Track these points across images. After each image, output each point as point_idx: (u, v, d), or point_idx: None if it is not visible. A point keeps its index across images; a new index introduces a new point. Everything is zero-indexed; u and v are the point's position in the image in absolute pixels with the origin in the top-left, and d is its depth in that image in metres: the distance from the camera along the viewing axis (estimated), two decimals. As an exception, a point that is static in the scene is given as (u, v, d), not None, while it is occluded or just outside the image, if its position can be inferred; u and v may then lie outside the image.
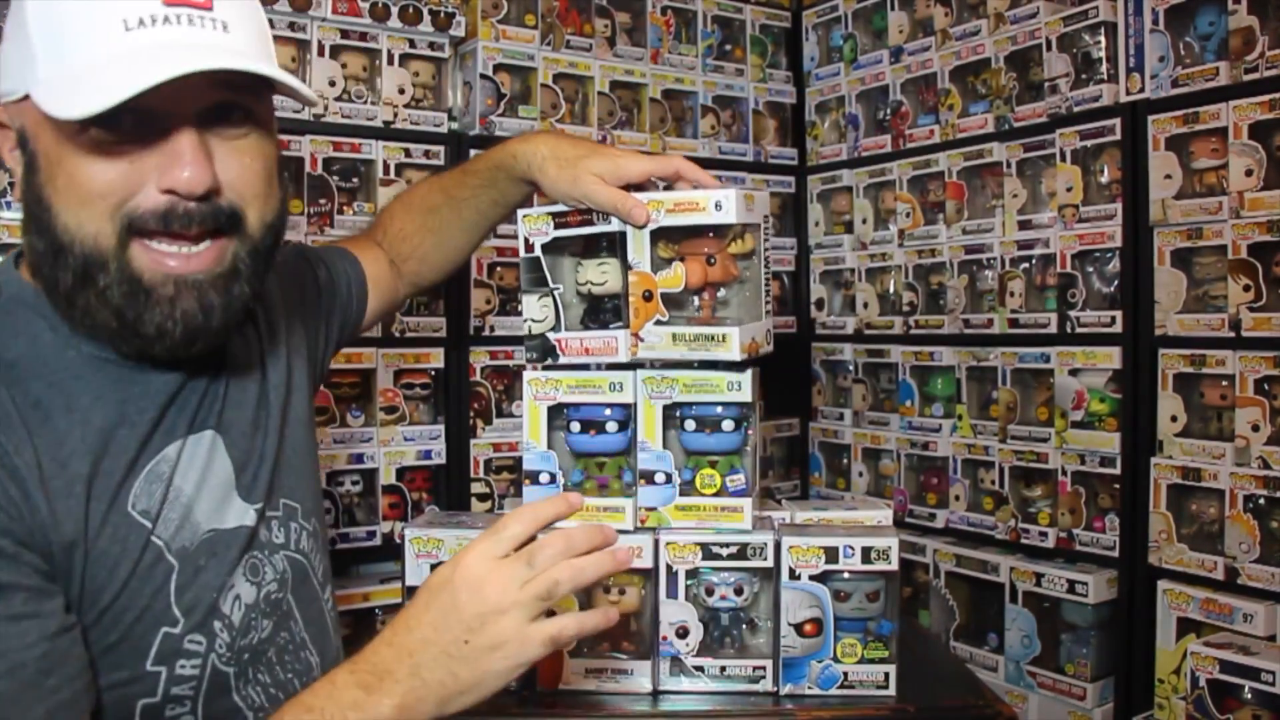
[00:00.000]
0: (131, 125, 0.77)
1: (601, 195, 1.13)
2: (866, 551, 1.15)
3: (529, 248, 1.18)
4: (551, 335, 1.17)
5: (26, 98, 0.79)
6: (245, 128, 0.85)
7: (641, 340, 1.14)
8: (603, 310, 1.18)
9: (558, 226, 1.17)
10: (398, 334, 2.25)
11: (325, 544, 1.08)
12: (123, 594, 0.82)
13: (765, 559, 1.15)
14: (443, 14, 2.30)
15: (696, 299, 1.16)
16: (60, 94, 0.75)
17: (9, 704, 0.71)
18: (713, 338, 1.13)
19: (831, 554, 1.14)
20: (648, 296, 1.14)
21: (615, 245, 1.16)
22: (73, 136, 0.77)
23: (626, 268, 1.14)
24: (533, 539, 0.84)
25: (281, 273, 1.09)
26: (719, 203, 1.10)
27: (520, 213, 1.18)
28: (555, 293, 1.18)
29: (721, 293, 1.17)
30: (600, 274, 1.17)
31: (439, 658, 0.80)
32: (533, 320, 1.18)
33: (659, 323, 1.14)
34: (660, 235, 1.13)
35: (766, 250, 1.17)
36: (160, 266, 0.81)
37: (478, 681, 0.81)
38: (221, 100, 0.82)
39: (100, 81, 0.74)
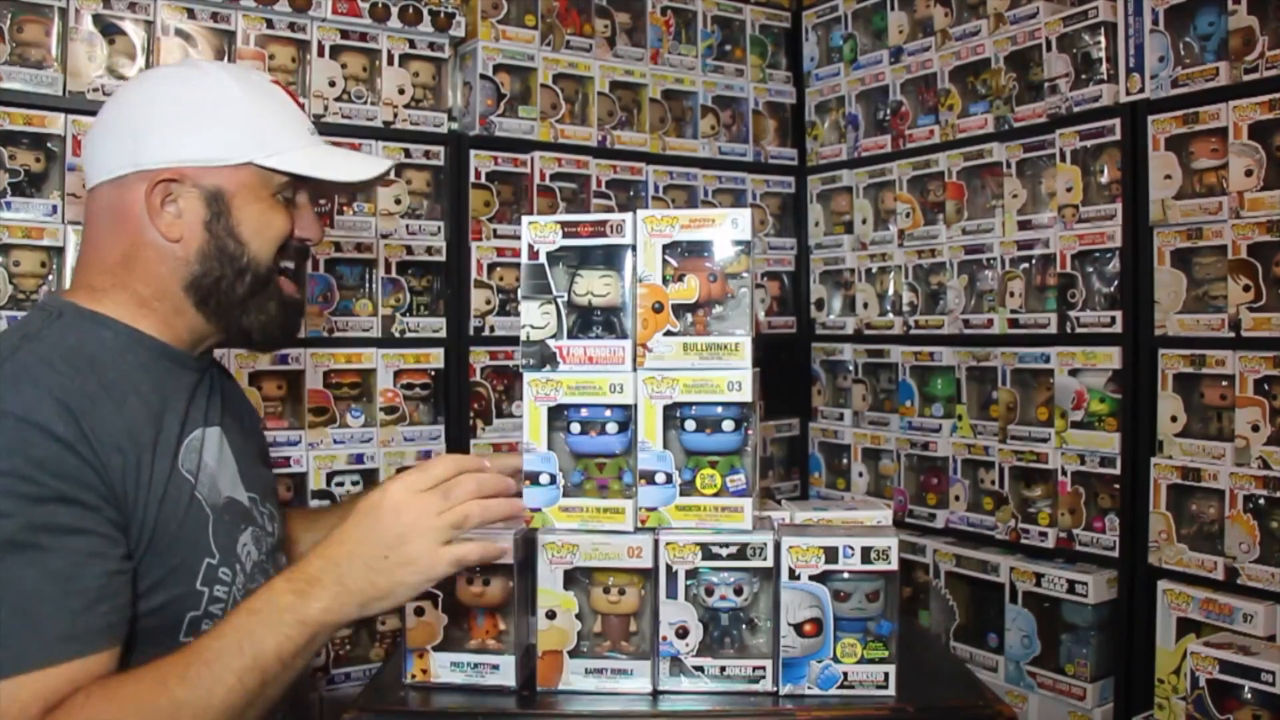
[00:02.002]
0: (292, 195, 1.18)
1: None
2: (866, 551, 1.15)
3: (533, 254, 1.19)
4: (552, 343, 1.18)
5: (247, 164, 1.13)
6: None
7: (650, 350, 1.16)
8: (594, 322, 1.19)
9: (566, 235, 1.18)
10: (398, 334, 2.25)
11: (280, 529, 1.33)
12: (182, 529, 1.06)
13: (765, 559, 1.15)
14: (443, 14, 2.30)
15: (690, 315, 1.18)
16: (312, 166, 1.16)
17: (72, 614, 0.94)
18: (725, 347, 1.15)
19: (831, 554, 1.15)
20: (658, 308, 1.16)
21: (612, 258, 1.18)
22: (267, 196, 1.15)
23: (636, 280, 1.16)
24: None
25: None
26: (735, 220, 1.17)
27: (525, 220, 1.19)
28: (558, 300, 1.18)
29: (717, 309, 1.20)
30: (604, 285, 1.18)
31: (361, 569, 1.00)
32: (532, 326, 1.18)
33: (669, 333, 1.16)
34: (665, 251, 1.16)
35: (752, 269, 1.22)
36: (289, 292, 1.20)
37: (391, 589, 1.01)
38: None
39: (342, 164, 1.19)
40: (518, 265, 1.26)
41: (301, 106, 1.23)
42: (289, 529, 1.47)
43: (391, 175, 1.33)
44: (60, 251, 1.88)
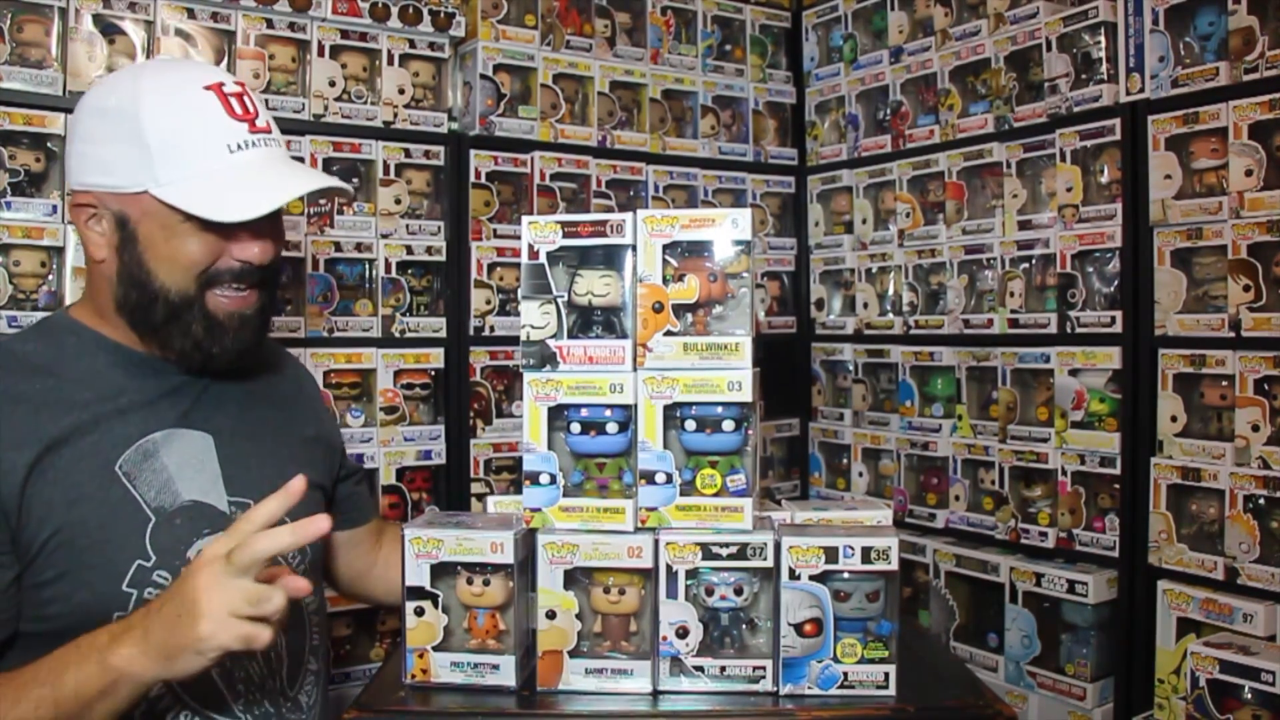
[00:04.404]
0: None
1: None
2: (866, 551, 1.15)
3: (533, 254, 1.19)
4: (552, 342, 1.18)
5: (144, 193, 1.08)
6: (276, 216, 1.17)
7: (650, 350, 1.16)
8: (594, 322, 1.19)
9: (566, 235, 1.18)
10: (398, 334, 2.25)
11: (310, 552, 1.29)
12: (106, 529, 1.07)
13: (765, 559, 1.15)
14: (443, 14, 2.30)
15: (691, 315, 1.18)
16: (190, 196, 1.07)
17: None
18: (725, 347, 1.15)
19: (831, 554, 1.15)
20: (658, 308, 1.16)
21: (612, 258, 1.18)
22: (179, 225, 1.09)
23: (636, 280, 1.16)
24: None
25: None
26: (735, 220, 1.16)
27: (525, 220, 1.19)
28: (558, 300, 1.18)
29: (717, 309, 1.19)
30: (604, 285, 1.18)
31: (161, 623, 0.98)
32: (532, 326, 1.19)
33: (669, 333, 1.16)
34: (665, 251, 1.16)
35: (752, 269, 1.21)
36: (223, 307, 1.14)
37: (181, 649, 0.96)
38: None
39: (228, 195, 1.08)
40: (518, 265, 1.27)
41: (245, 107, 1.13)
42: (385, 547, 1.50)
43: (326, 188, 1.22)
44: (60, 251, 1.88)
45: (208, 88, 1.12)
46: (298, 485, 1.02)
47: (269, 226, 1.15)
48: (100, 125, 1.11)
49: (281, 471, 1.12)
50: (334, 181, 1.23)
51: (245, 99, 1.14)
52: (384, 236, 2.24)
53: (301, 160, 2.10)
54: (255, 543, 0.97)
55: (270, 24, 2.11)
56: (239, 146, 1.11)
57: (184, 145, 1.09)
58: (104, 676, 0.97)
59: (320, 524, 1.00)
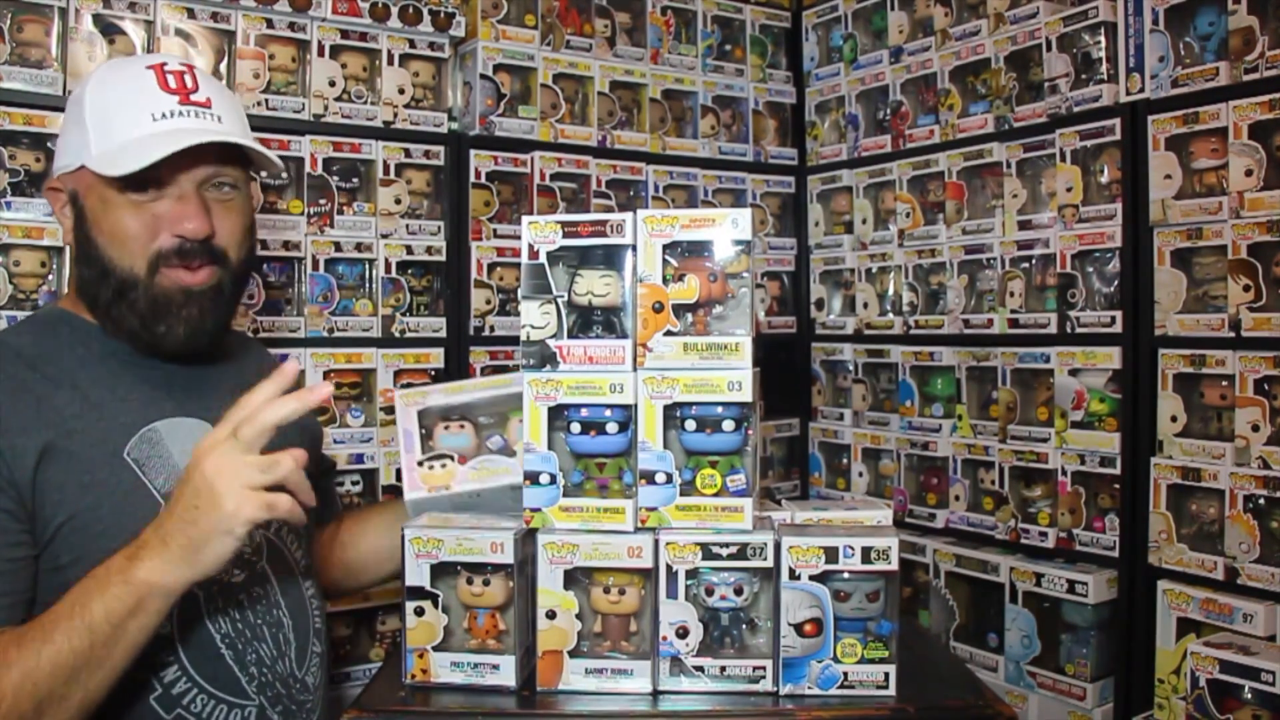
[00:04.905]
0: (154, 190, 1.13)
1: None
2: (866, 551, 1.15)
3: (533, 254, 1.19)
4: (552, 342, 1.18)
5: (82, 168, 1.13)
6: (231, 193, 1.20)
7: (650, 350, 1.16)
8: (594, 322, 1.19)
9: (566, 235, 1.18)
10: (398, 334, 2.25)
11: (308, 543, 1.34)
12: (119, 516, 1.09)
13: (765, 559, 1.15)
14: (443, 14, 2.30)
15: (691, 315, 1.18)
16: (107, 161, 1.10)
17: None
18: (725, 347, 1.16)
19: (831, 554, 1.15)
20: (658, 308, 1.16)
21: (612, 258, 1.18)
22: (114, 197, 1.12)
23: (636, 280, 1.16)
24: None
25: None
26: (735, 220, 1.17)
27: (525, 219, 1.19)
28: (558, 300, 1.18)
29: (717, 309, 1.20)
30: (604, 285, 1.18)
31: (177, 523, 1.01)
32: (532, 326, 1.19)
33: (669, 333, 1.16)
34: (665, 251, 1.16)
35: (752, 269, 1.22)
36: (175, 283, 1.14)
37: (206, 537, 1.00)
38: (215, 172, 1.17)
39: (136, 153, 1.09)
40: (518, 265, 1.27)
41: (183, 84, 1.15)
42: (341, 532, 1.51)
43: (264, 152, 1.21)
44: (60, 251, 1.88)
45: (150, 67, 1.16)
46: (302, 384, 1.10)
47: (205, 201, 1.16)
48: (64, 116, 1.19)
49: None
50: (238, 139, 1.18)
51: (187, 76, 1.16)
52: (384, 236, 2.24)
53: (289, 161, 2.09)
54: (260, 414, 1.02)
55: (270, 24, 2.11)
56: (164, 115, 1.13)
57: (113, 118, 1.13)
58: (131, 594, 1.00)
59: (323, 390, 1.08)
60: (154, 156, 1.09)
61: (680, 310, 1.17)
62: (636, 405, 1.17)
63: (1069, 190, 2.15)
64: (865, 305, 2.67)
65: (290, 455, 1.04)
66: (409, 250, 2.27)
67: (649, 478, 1.17)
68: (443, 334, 2.31)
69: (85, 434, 1.10)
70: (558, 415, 1.19)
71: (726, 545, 1.16)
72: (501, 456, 1.35)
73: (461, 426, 1.37)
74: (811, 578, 1.15)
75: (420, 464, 1.33)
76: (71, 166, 1.15)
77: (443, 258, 2.31)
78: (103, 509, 1.09)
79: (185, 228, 1.14)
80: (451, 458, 1.33)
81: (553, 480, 1.18)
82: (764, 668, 1.16)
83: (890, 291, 2.61)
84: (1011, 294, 2.29)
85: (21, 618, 1.05)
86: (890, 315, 2.60)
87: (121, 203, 1.13)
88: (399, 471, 2.21)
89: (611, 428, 1.18)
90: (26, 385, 1.11)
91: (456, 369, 2.31)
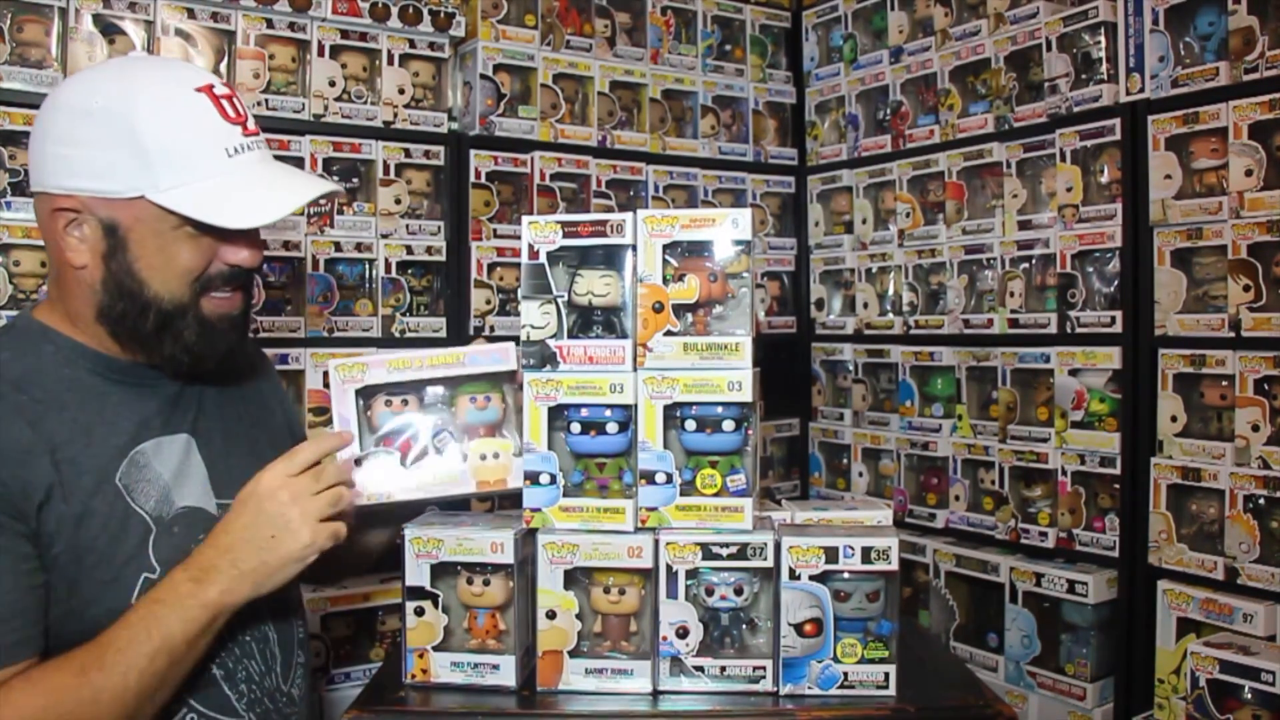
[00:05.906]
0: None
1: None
2: (866, 551, 1.15)
3: (534, 254, 1.19)
4: (552, 342, 1.18)
5: (140, 198, 1.06)
6: None
7: (650, 350, 1.16)
8: (594, 322, 1.19)
9: (566, 235, 1.18)
10: (398, 334, 2.25)
11: None
12: (114, 545, 1.08)
13: (765, 559, 1.15)
14: (443, 14, 2.30)
15: (691, 315, 1.18)
16: (200, 205, 1.07)
17: None
18: (725, 347, 1.16)
19: (831, 554, 1.15)
20: (658, 308, 1.16)
21: (612, 258, 1.18)
22: (173, 231, 1.08)
23: (636, 280, 1.16)
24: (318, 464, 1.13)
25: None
26: (735, 220, 1.17)
27: (525, 219, 1.19)
28: (558, 300, 1.18)
29: (717, 309, 1.20)
30: (604, 285, 1.18)
31: (252, 551, 1.07)
32: (532, 326, 1.19)
33: (669, 333, 1.16)
34: (665, 251, 1.16)
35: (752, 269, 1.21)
36: (216, 309, 1.14)
37: (281, 565, 1.08)
38: None
39: (245, 203, 1.09)
40: (518, 265, 1.27)
41: (236, 109, 1.12)
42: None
43: (328, 192, 1.24)
44: (60, 251, 1.88)
45: (199, 89, 1.10)
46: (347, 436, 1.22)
47: (257, 230, 1.15)
48: (85, 128, 1.06)
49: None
50: (332, 186, 1.24)
51: (235, 101, 1.14)
52: (384, 236, 2.24)
53: (288, 161, 2.07)
54: (327, 469, 1.13)
55: (270, 24, 2.11)
56: (235, 150, 1.11)
57: (183, 150, 1.07)
58: (207, 615, 1.05)
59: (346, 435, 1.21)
60: (272, 215, 1.10)
61: (680, 310, 1.17)
62: (636, 405, 1.17)
63: (1069, 190, 2.15)
64: (865, 305, 2.67)
65: (345, 488, 1.13)
66: (409, 250, 2.27)
67: (649, 478, 1.17)
68: (443, 334, 2.31)
69: (76, 463, 1.07)
70: (558, 415, 1.19)
71: (726, 545, 1.16)
72: (452, 452, 1.25)
73: (405, 403, 1.27)
74: (811, 578, 1.15)
75: (359, 462, 1.23)
76: (120, 194, 1.07)
77: (443, 258, 2.31)
78: (99, 541, 1.07)
79: (243, 257, 1.13)
80: (395, 454, 1.24)
81: (553, 480, 1.18)
82: (764, 668, 1.16)
83: (890, 291, 2.61)
84: (1011, 294, 2.29)
85: (44, 646, 1.04)
86: (890, 315, 2.60)
87: (181, 236, 1.09)
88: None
89: (611, 428, 1.18)
90: (19, 409, 1.06)
91: (456, 369, 2.31)
